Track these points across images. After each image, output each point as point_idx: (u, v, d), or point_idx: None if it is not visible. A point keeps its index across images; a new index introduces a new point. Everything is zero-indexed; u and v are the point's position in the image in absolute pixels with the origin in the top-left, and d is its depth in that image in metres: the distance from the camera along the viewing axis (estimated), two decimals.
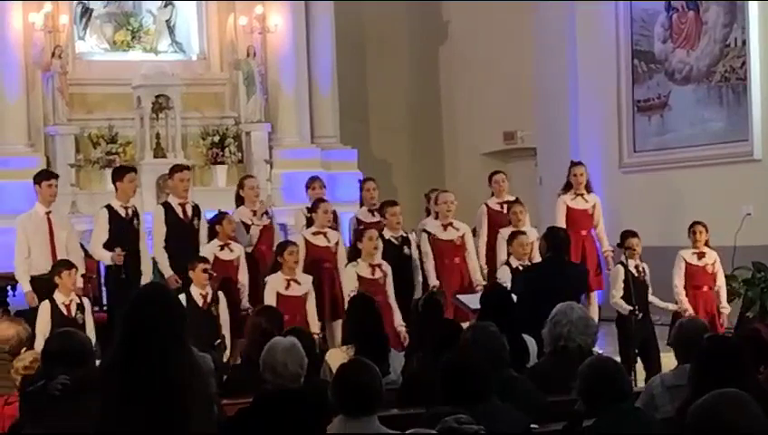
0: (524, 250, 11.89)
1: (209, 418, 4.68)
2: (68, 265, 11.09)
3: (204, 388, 4.70)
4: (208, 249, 11.75)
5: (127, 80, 16.17)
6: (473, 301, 10.97)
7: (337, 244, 12.27)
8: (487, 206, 13.44)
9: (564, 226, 12.86)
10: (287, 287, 11.34)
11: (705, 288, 11.90)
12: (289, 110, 17.28)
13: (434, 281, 12.26)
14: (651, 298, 11.75)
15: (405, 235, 12.43)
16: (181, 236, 12.07)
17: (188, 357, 4.68)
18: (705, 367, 6.01)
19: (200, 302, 11.02)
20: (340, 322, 11.62)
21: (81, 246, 13.47)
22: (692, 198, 15.22)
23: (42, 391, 6.06)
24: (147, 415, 4.48)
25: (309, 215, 12.64)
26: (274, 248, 11.95)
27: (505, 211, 13.15)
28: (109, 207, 12.02)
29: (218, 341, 10.73)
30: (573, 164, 13.58)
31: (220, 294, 11.20)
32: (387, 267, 11.74)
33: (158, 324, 4.63)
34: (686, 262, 11.90)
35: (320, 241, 12.17)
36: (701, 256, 11.92)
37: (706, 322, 11.15)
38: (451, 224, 12.61)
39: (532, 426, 6.35)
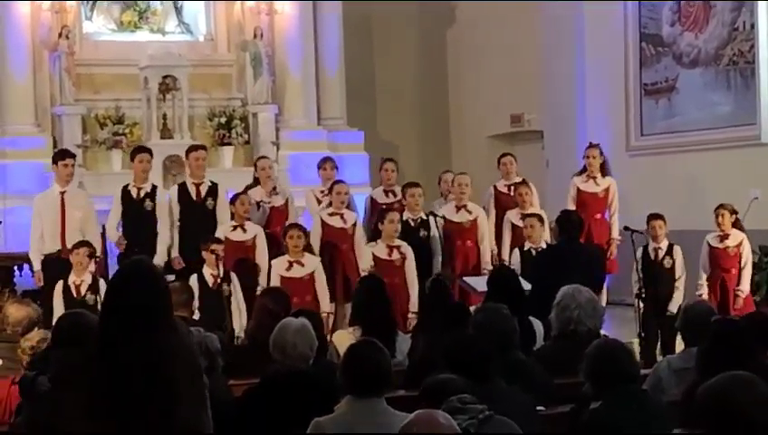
0: (531, 232, 11.88)
1: (198, 396, 4.60)
2: (80, 244, 11.13)
3: (191, 366, 4.62)
4: (221, 230, 11.78)
5: (134, 60, 16.16)
6: (479, 283, 10.99)
7: (354, 225, 12.24)
8: (495, 188, 13.44)
9: (573, 207, 12.85)
10: (288, 269, 11.33)
11: (734, 271, 11.88)
12: (296, 91, 17.27)
13: (438, 266, 12.25)
14: (678, 287, 11.68)
15: (424, 217, 12.40)
16: (193, 216, 12.13)
17: (172, 334, 4.60)
18: (712, 350, 6.01)
19: (211, 282, 11.01)
20: (350, 305, 11.64)
21: None
22: (699, 182, 15.20)
23: (32, 383, 6.08)
24: (132, 396, 4.42)
25: (325, 196, 12.65)
26: None
27: (512, 193, 13.13)
28: (123, 187, 12.14)
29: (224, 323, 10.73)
30: (588, 146, 13.54)
31: (233, 274, 11.19)
32: (407, 250, 11.72)
33: (137, 303, 4.54)
34: (709, 245, 11.90)
35: (336, 222, 12.15)
36: (723, 238, 11.89)
37: (721, 304, 11.22)
38: (465, 207, 12.61)
39: (538, 408, 6.36)
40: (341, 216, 12.20)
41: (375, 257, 11.59)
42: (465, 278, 11.91)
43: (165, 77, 16.04)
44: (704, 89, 15.71)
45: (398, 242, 11.70)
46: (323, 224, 12.11)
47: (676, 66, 16.16)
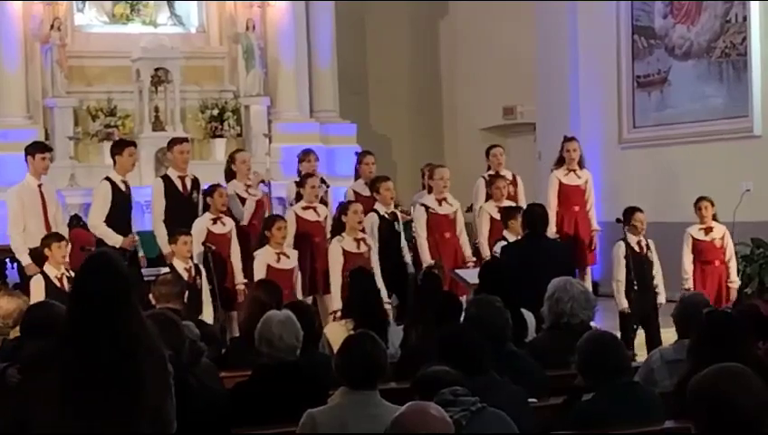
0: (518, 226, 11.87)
1: (163, 384, 4.59)
2: (58, 237, 11.03)
3: (155, 354, 4.60)
4: (201, 223, 11.68)
5: (126, 53, 16.13)
6: (471, 275, 10.98)
7: (326, 218, 12.23)
8: (485, 179, 13.42)
9: (556, 201, 12.90)
10: (278, 261, 11.32)
11: (717, 263, 11.88)
12: (288, 83, 17.25)
13: (427, 258, 12.22)
14: (657, 279, 11.66)
15: (393, 210, 12.41)
16: (180, 209, 12.02)
17: (136, 323, 4.59)
18: (703, 341, 6.02)
19: (186, 276, 10.90)
20: (330, 296, 11.66)
21: (79, 217, 13.47)
22: (691, 174, 15.21)
23: (1, 375, 6.03)
24: (98, 390, 4.40)
25: (298, 189, 12.61)
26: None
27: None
28: (110, 180, 11.94)
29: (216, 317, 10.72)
30: (566, 139, 13.48)
31: (200, 266, 11.16)
32: (370, 241, 11.72)
33: (103, 293, 4.51)
34: (693, 238, 11.89)
35: (310, 216, 12.12)
36: (708, 231, 11.90)
37: (715, 296, 11.22)
38: (445, 199, 12.61)
39: (530, 400, 6.36)
40: (314, 209, 12.17)
41: (345, 252, 11.50)
42: (457, 271, 11.90)
43: (157, 69, 16.00)
44: (696, 81, 15.72)
45: (361, 234, 11.67)
46: (297, 218, 12.07)
47: (668, 58, 16.17)
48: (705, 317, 6.32)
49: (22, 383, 5.05)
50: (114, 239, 11.58)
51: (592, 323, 7.89)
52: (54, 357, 4.51)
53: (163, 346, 4.64)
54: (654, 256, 11.66)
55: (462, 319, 7.50)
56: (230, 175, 12.63)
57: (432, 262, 12.10)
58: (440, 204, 12.54)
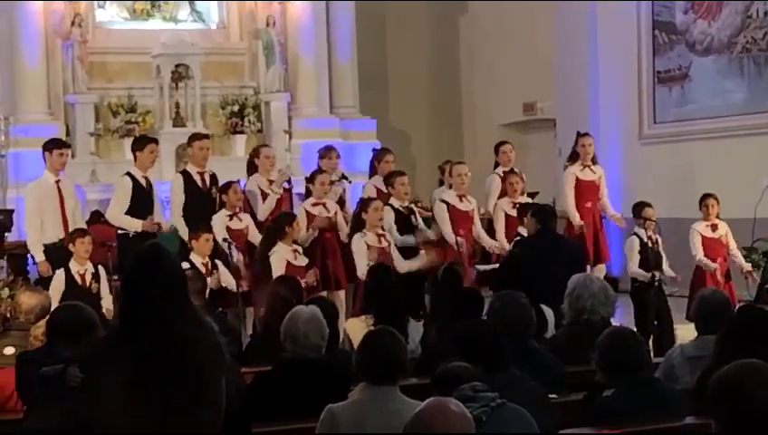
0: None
1: (220, 372, 4.58)
2: (82, 232, 11.05)
3: (213, 346, 4.59)
4: (219, 219, 11.70)
5: (146, 49, 16.17)
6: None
7: (336, 214, 12.23)
8: (500, 176, 13.41)
9: (573, 197, 12.89)
10: (296, 258, 11.34)
11: (720, 259, 11.86)
12: (308, 79, 17.27)
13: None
14: (666, 269, 11.67)
15: (409, 205, 12.37)
16: (199, 204, 12.05)
17: (193, 317, 4.58)
18: (734, 337, 5.98)
19: (203, 270, 10.95)
20: (342, 292, 11.66)
21: (100, 213, 13.50)
22: (712, 170, 15.16)
23: (59, 376, 5.98)
24: (155, 388, 4.40)
25: (308, 185, 12.59)
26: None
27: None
28: (131, 175, 11.97)
29: (219, 309, 10.70)
30: (581, 135, 13.46)
31: (218, 262, 11.17)
32: (390, 237, 11.73)
33: (155, 287, 4.50)
34: (701, 235, 11.85)
35: (319, 212, 12.12)
36: (714, 228, 11.88)
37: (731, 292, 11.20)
38: (465, 196, 12.61)
39: (551, 396, 6.36)
40: (324, 205, 12.17)
41: (369, 247, 11.51)
42: (478, 266, 11.92)
43: (177, 65, 16.04)
44: (717, 76, 15.68)
45: (381, 230, 11.66)
46: (307, 214, 12.07)
47: (689, 54, 16.13)
48: (740, 312, 6.31)
49: (83, 383, 5.00)
50: (135, 225, 11.65)
51: (612, 320, 7.89)
52: (114, 354, 4.50)
53: (218, 334, 4.61)
54: (662, 253, 11.65)
55: (484, 314, 7.49)
56: (252, 168, 12.65)
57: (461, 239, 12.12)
58: (460, 200, 12.55)
